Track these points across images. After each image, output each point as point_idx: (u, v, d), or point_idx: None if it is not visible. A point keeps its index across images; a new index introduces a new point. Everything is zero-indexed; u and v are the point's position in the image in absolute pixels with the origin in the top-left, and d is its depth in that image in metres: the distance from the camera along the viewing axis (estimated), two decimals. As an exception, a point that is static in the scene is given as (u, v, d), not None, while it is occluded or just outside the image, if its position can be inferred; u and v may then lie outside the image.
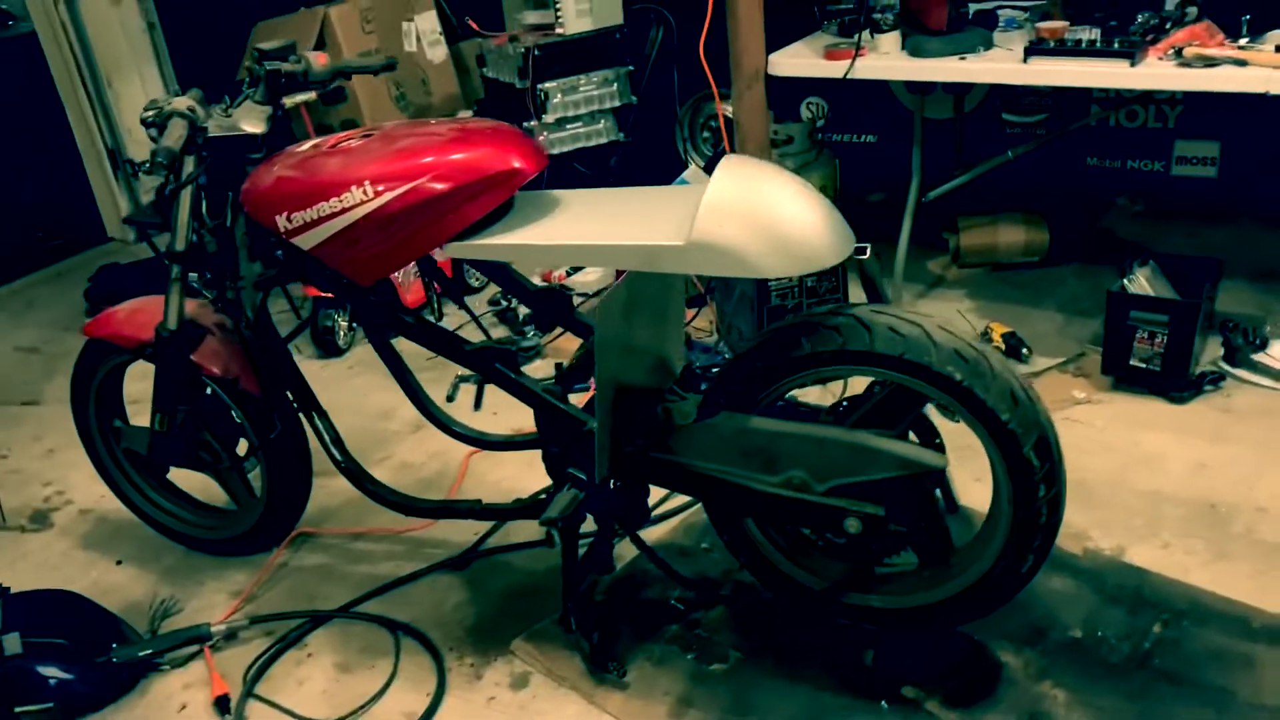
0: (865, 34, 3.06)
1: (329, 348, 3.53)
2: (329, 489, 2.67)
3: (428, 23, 4.37)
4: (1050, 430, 1.78)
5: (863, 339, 1.77)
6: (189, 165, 2.08)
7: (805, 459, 1.84)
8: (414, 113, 4.35)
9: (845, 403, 1.97)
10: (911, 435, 1.96)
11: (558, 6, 3.61)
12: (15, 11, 5.24)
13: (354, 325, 3.54)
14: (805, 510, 1.86)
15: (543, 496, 2.14)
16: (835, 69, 3.04)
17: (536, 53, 3.61)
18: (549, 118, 3.69)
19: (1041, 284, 3.46)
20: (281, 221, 1.93)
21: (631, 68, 3.81)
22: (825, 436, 1.82)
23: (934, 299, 3.47)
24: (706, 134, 4.35)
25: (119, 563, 2.65)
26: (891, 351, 1.76)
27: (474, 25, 3.91)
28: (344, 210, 1.87)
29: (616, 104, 3.82)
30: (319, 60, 2.18)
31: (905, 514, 1.82)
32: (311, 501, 2.58)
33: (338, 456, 2.24)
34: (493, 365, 2.00)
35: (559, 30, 3.65)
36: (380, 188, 1.85)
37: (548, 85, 3.65)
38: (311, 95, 3.84)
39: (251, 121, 2.09)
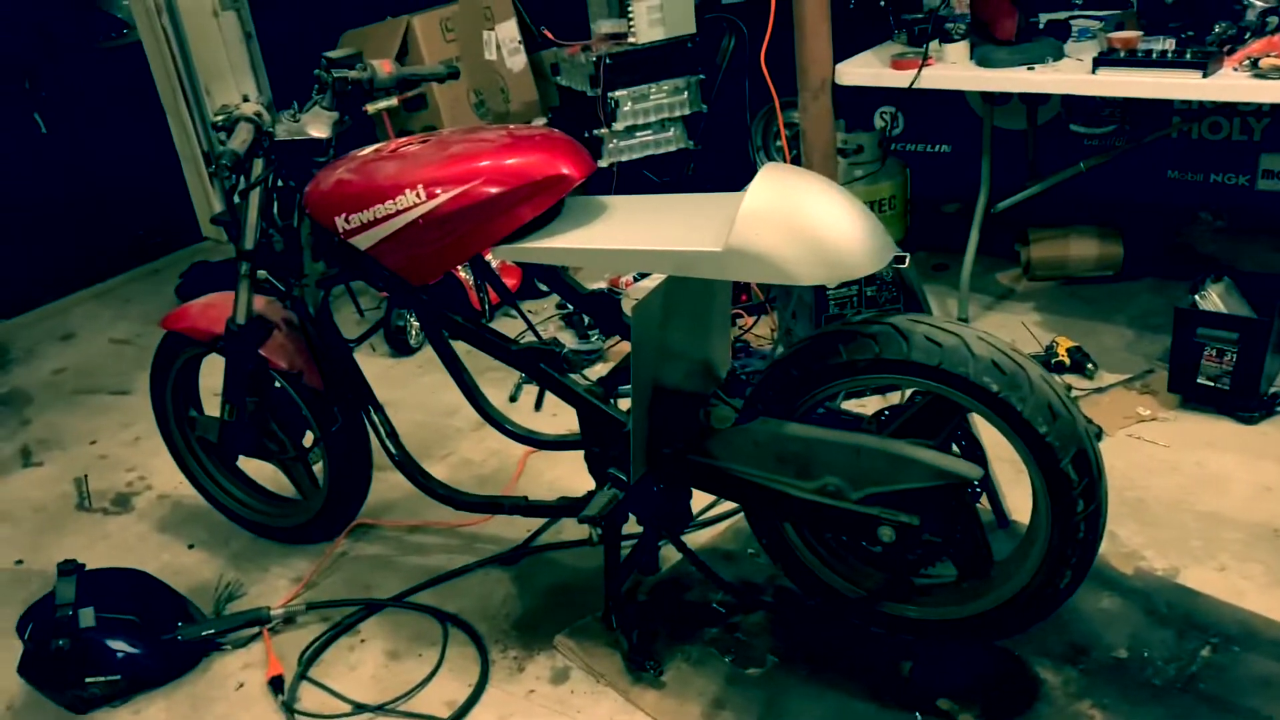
0: (934, 43, 3.04)
1: (401, 346, 3.64)
2: (389, 483, 2.76)
3: (508, 31, 4.47)
4: (1090, 444, 1.76)
5: (899, 348, 1.77)
6: (257, 168, 2.18)
7: (840, 466, 1.85)
8: (493, 119, 4.45)
9: (886, 412, 1.97)
10: (955, 448, 1.96)
11: (630, 15, 3.66)
12: (129, 20, 5.51)
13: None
14: (840, 517, 1.87)
15: (589, 496, 2.18)
16: (901, 79, 3.03)
17: (608, 61, 3.67)
18: (619, 125, 3.75)
19: (1113, 299, 3.39)
20: (340, 222, 2.01)
21: (703, 76, 3.84)
22: (861, 444, 1.83)
23: (1001, 311, 3.42)
24: (779, 142, 4.35)
25: (190, 546, 2.77)
26: (928, 361, 1.76)
27: (548, 34, 3.98)
28: (399, 212, 1.95)
29: (686, 112, 3.86)
30: (384, 68, 2.26)
31: (940, 524, 1.81)
32: (372, 494, 2.67)
33: (392, 450, 2.32)
34: (537, 365, 2.05)
35: (631, 39, 3.69)
36: (433, 190, 1.92)
37: (618, 93, 3.71)
38: (393, 102, 3.97)
39: (318, 126, 2.18)
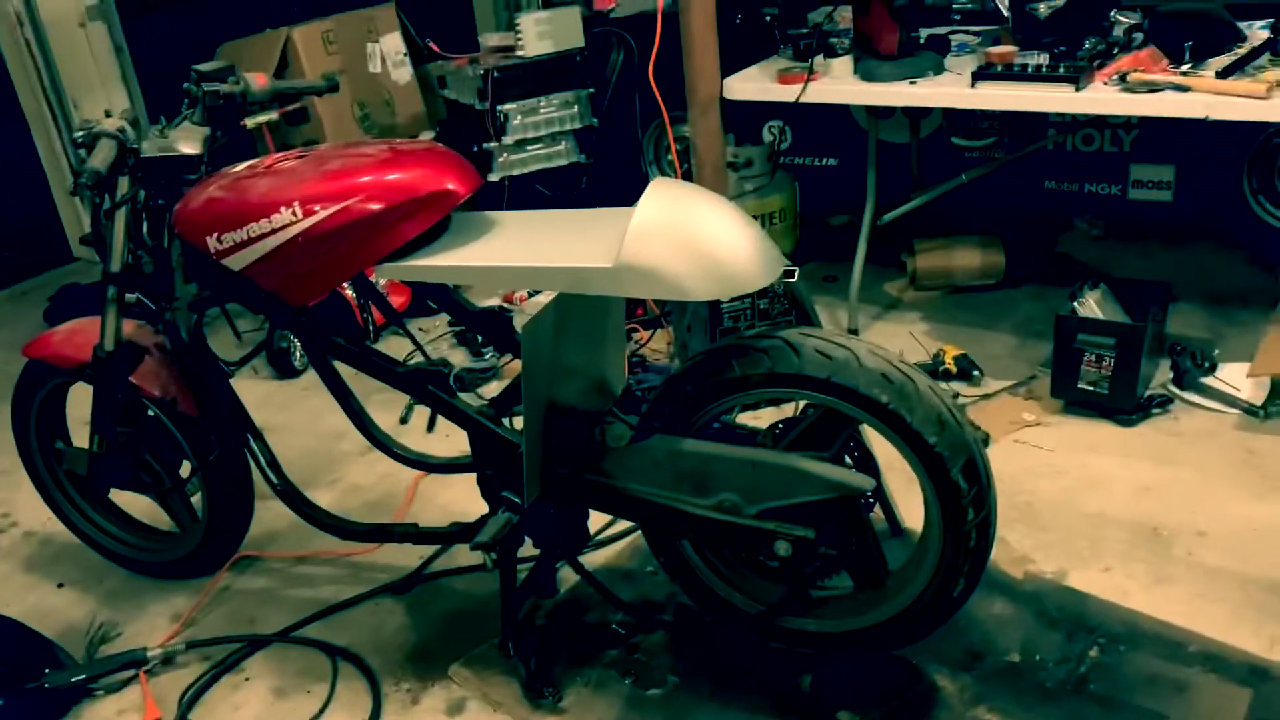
0: (819, 58, 3.08)
1: (285, 369, 3.51)
2: (275, 511, 2.63)
3: (392, 44, 4.38)
4: (978, 453, 1.78)
5: (791, 361, 1.77)
6: (123, 186, 2.07)
7: (736, 481, 1.83)
8: (378, 133, 4.35)
9: (780, 425, 1.96)
10: (848, 460, 1.97)
11: (518, 29, 3.62)
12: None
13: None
14: (736, 533, 1.85)
15: (482, 521, 2.12)
16: (788, 93, 3.06)
17: (496, 74, 3.62)
18: (509, 139, 3.70)
19: (997, 307, 3.47)
20: (212, 242, 1.92)
21: (593, 90, 3.82)
22: (755, 459, 1.82)
23: (889, 321, 3.47)
24: (670, 156, 4.36)
25: (60, 585, 2.62)
26: (819, 374, 1.75)
27: (434, 47, 3.92)
28: (273, 231, 1.87)
29: (577, 125, 3.83)
30: (258, 81, 2.18)
31: (835, 537, 1.81)
32: (257, 524, 2.56)
33: (274, 480, 2.22)
34: (425, 387, 1.99)
35: (519, 52, 3.66)
36: (311, 208, 1.84)
37: (507, 107, 3.66)
38: (273, 115, 3.85)
39: (187, 142, 2.08)
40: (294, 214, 1.85)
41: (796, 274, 1.79)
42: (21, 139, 4.91)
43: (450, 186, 1.86)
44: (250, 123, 3.95)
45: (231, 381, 2.27)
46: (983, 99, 2.78)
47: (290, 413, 3.30)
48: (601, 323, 2.04)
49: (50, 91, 4.77)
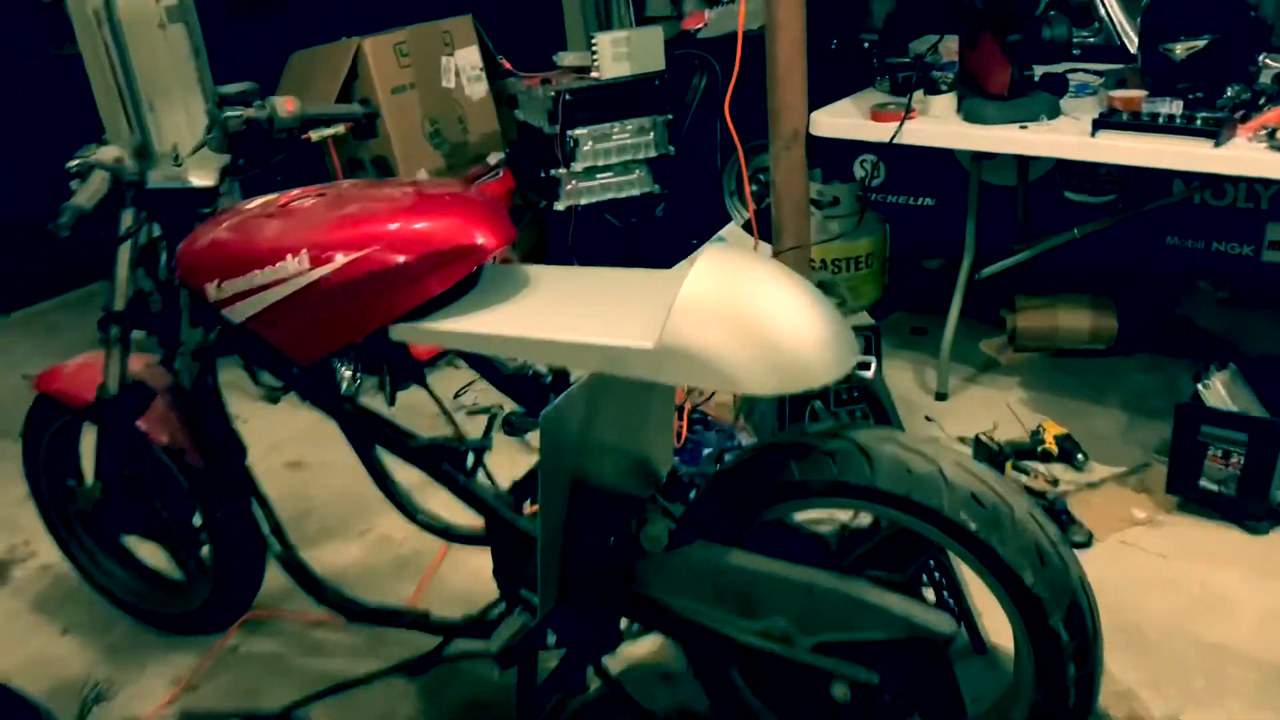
0: (919, 94, 2.78)
1: (330, 399, 3.32)
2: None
3: (468, 58, 4.19)
4: (1086, 598, 1.47)
5: (862, 471, 1.49)
6: (127, 219, 1.88)
7: (789, 606, 1.55)
8: (449, 150, 4.16)
9: (848, 531, 1.67)
10: (926, 578, 1.67)
11: (594, 49, 3.38)
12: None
13: (358, 375, 3.33)
14: (785, 667, 1.57)
15: (499, 613, 1.88)
16: (882, 132, 2.76)
17: (568, 97, 3.39)
18: (577, 165, 3.46)
19: (1106, 376, 3.12)
20: (212, 290, 1.71)
21: (670, 116, 3.56)
22: (815, 583, 1.54)
23: (983, 385, 3.14)
24: (755, 186, 4.09)
25: (65, 632, 2.45)
26: (896, 489, 1.47)
27: (506, 64, 3.70)
28: (279, 281, 1.65)
29: (652, 154, 3.58)
30: (286, 106, 1.97)
31: (904, 683, 1.52)
32: (275, 578, 2.36)
33: (276, 547, 2.01)
34: (439, 466, 1.75)
35: (594, 74, 3.42)
36: (321, 257, 1.62)
37: (578, 132, 3.42)
38: (340, 129, 3.67)
39: (200, 174, 1.88)
40: (302, 263, 1.63)
41: (873, 367, 1.51)
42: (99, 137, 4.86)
43: (479, 240, 1.62)
44: (315, 135, 3.80)
45: (275, 410, 2.06)
46: (1104, 150, 2.45)
47: (330, 450, 3.07)
48: (645, 398, 1.78)
49: (126, 93, 4.70)
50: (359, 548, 2.65)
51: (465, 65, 4.19)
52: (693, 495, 1.80)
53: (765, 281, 1.49)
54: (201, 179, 1.88)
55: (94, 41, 4.65)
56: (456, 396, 3.34)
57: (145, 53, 4.69)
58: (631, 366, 1.49)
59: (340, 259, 1.61)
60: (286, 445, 3.13)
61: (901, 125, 2.71)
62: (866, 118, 2.82)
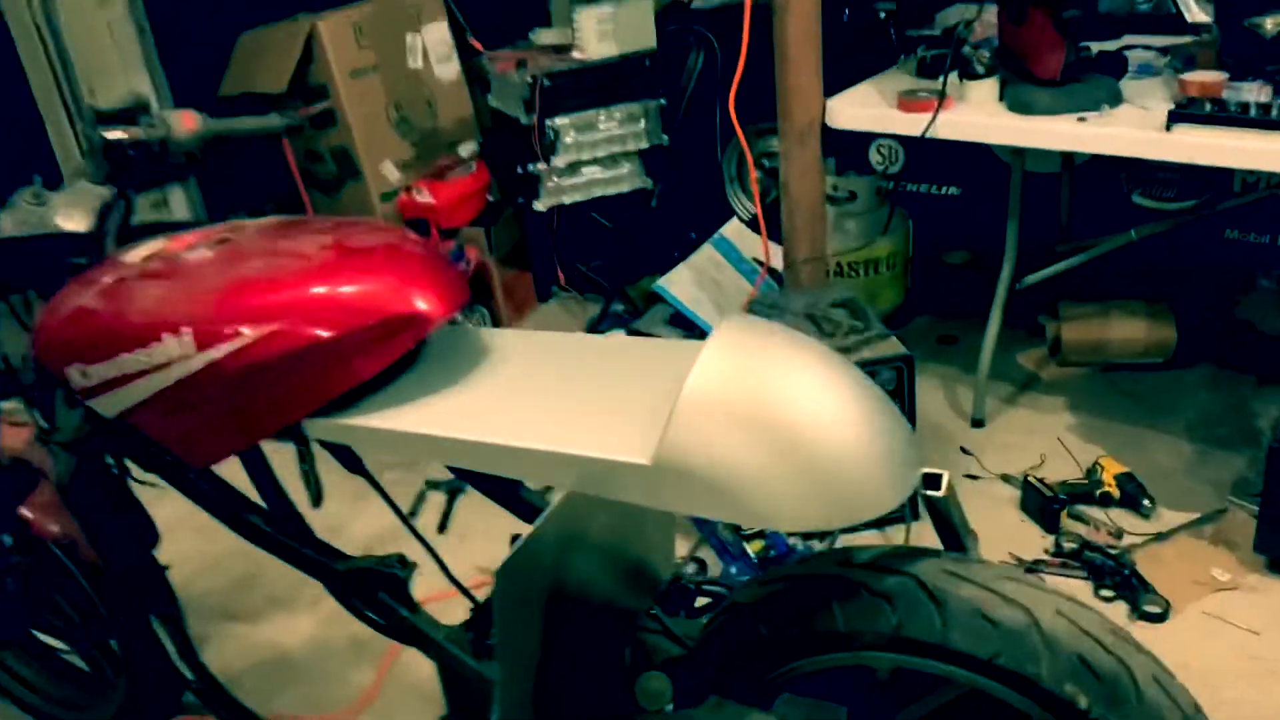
0: (952, 77, 2.38)
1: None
2: (241, 640, 2.10)
3: (437, 34, 3.76)
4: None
5: (931, 622, 1.11)
6: (-28, 275, 1.49)
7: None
8: (417, 139, 3.75)
9: (902, 684, 1.30)
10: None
11: (576, 27, 2.97)
12: None
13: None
14: None
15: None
16: (912, 124, 2.36)
17: (546, 82, 2.97)
18: (559, 160, 3.05)
19: (1164, 395, 2.74)
20: (75, 375, 1.32)
21: (664, 101, 3.15)
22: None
23: (1025, 408, 2.76)
24: (759, 174, 3.69)
25: (-36, 735, 2.09)
26: (976, 651, 1.09)
27: (477, 44, 3.28)
28: (156, 367, 1.26)
29: (644, 145, 3.17)
30: (184, 124, 1.57)
31: None
32: (219, 659, 2.01)
33: (188, 675, 1.64)
34: (373, 594, 1.38)
35: (576, 54, 3.00)
36: (209, 336, 1.24)
37: (558, 121, 3.01)
38: (293, 120, 3.25)
39: (71, 215, 1.49)
40: (185, 345, 1.24)
41: (944, 483, 1.13)
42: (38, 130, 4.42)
43: (421, 308, 1.24)
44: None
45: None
46: (1183, 148, 2.05)
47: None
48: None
49: (63, 77, 4.27)
50: (310, 623, 2.28)
51: (434, 43, 3.76)
52: (702, 614, 1.45)
53: (796, 371, 1.11)
54: (73, 221, 1.48)
55: (25, 24, 4.21)
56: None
57: (83, 31, 4.26)
58: (619, 487, 1.12)
59: (235, 340, 1.23)
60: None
61: (935, 116, 2.31)
62: (892, 106, 2.42)
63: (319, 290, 1.25)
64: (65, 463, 1.52)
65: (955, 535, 1.19)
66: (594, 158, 3.11)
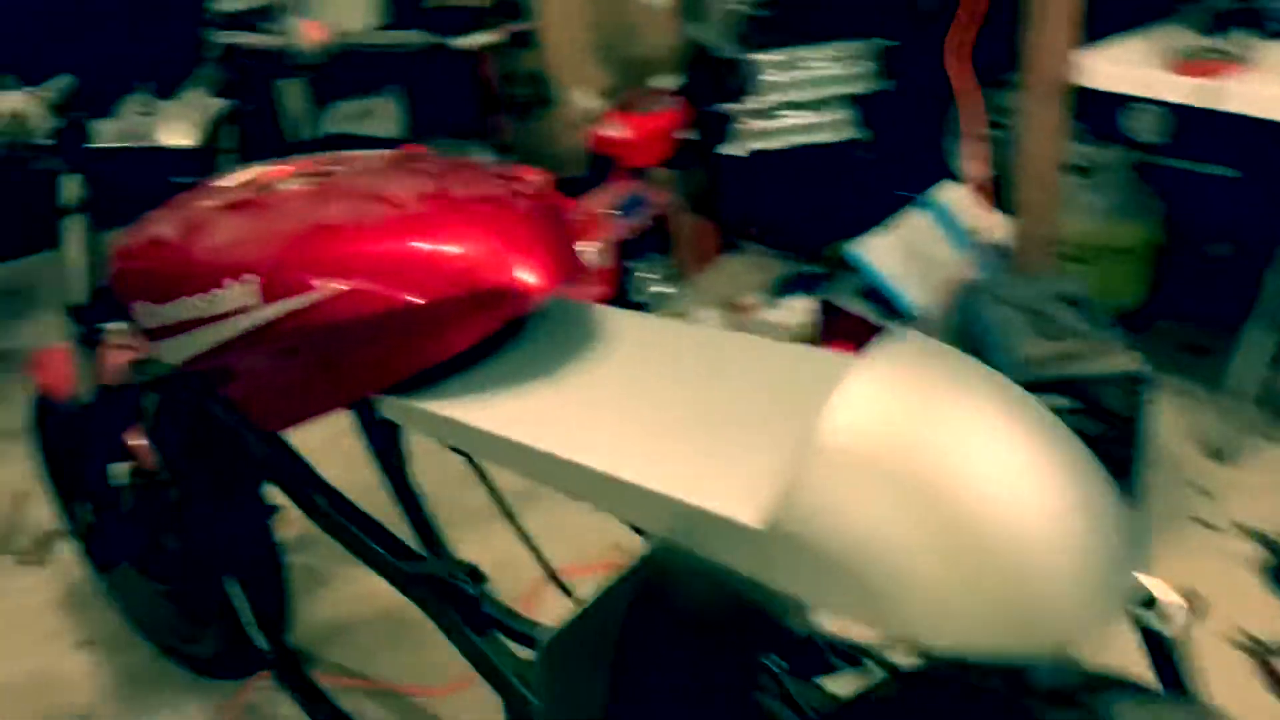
0: (1240, 36, 1.92)
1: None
2: (336, 601, 1.99)
3: (653, -48, 3.49)
4: None
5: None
6: (71, 188, 1.35)
7: None
8: (618, 68, 3.51)
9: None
10: None
11: (795, -51, 2.63)
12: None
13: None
14: None
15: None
16: (1192, 92, 1.93)
17: (756, 11, 2.65)
18: (757, 101, 2.74)
19: None
20: (143, 314, 1.17)
21: (897, 42, 2.76)
22: None
23: (1284, 445, 2.28)
24: (992, 130, 3.25)
25: (81, 645, 2.08)
26: None
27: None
28: (217, 316, 1.09)
29: (861, 90, 2.81)
30: (311, 33, 1.38)
31: None
32: (314, 617, 1.91)
33: (263, 645, 1.51)
34: (439, 602, 1.18)
35: (792, -18, 2.67)
36: (275, 287, 1.05)
37: (761, 57, 2.69)
38: (492, 37, 3.08)
39: (177, 128, 1.33)
40: (249, 294, 1.06)
41: (1181, 619, 0.81)
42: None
43: (520, 281, 1.01)
44: (470, 43, 3.23)
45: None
46: None
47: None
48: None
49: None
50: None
51: (647, -38, 3.50)
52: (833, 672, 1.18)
53: (974, 422, 0.80)
54: (176, 136, 1.33)
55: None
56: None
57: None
58: (719, 548, 0.86)
59: (302, 296, 1.03)
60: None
61: (1223, 83, 1.87)
62: (1165, 69, 1.98)
63: (403, 248, 1.03)
64: (150, 400, 1.39)
65: (1171, 668, 0.86)
66: (799, 100, 2.78)
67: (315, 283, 1.03)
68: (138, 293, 1.16)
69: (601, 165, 3.05)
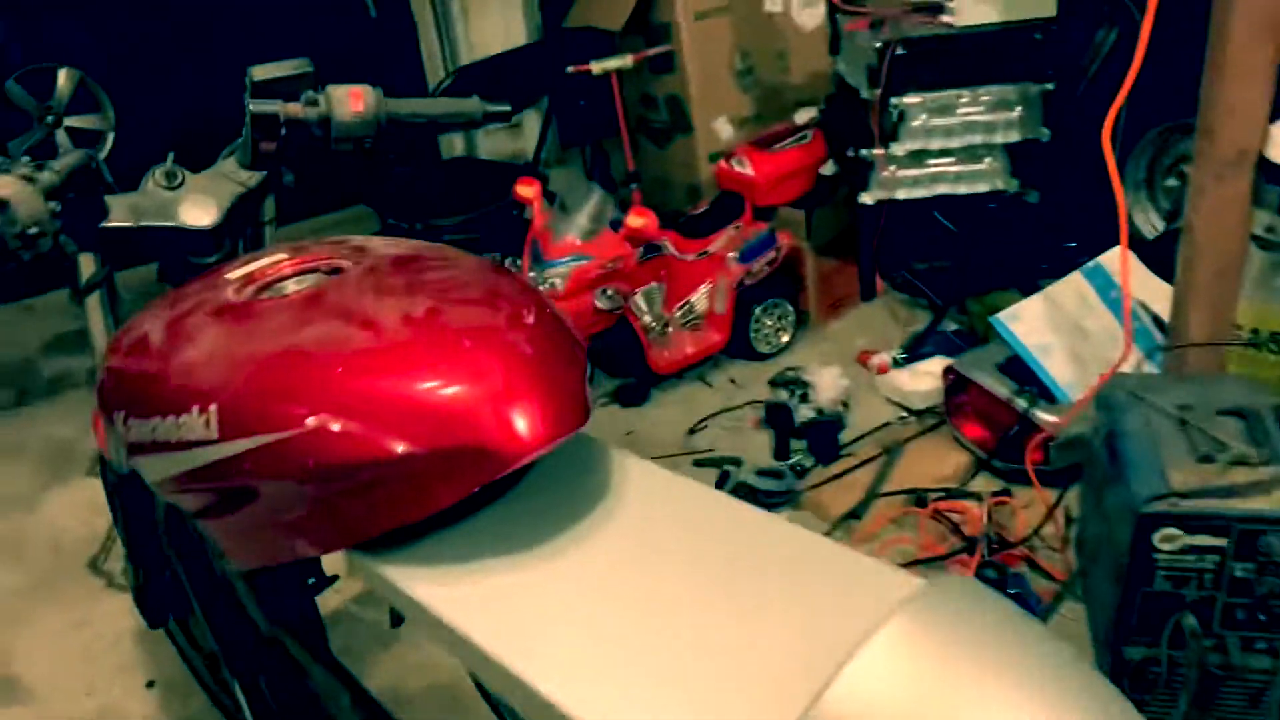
0: None
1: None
2: (395, 670, 1.89)
3: (806, -25, 3.28)
4: None
5: None
6: (87, 266, 1.27)
7: None
8: (760, 93, 3.31)
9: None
10: None
11: (953, -17, 2.37)
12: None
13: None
14: None
15: None
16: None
17: (900, 50, 2.41)
18: (899, 147, 2.50)
19: None
20: (120, 425, 1.07)
21: (1051, 85, 2.48)
22: None
23: None
24: (1172, 181, 2.89)
25: (150, 685, 2.06)
26: None
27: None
28: (184, 443, 0.97)
29: (1015, 137, 2.52)
30: (352, 102, 1.26)
31: None
32: (372, 683, 1.82)
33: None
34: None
35: (946, 18, 2.41)
36: (226, 425, 0.93)
37: (907, 100, 2.45)
38: (626, 62, 2.95)
39: (193, 209, 1.23)
40: (208, 428, 0.94)
41: None
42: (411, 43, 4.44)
43: (511, 438, 0.86)
44: (597, 68, 3.11)
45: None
46: None
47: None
48: None
49: (439, 3, 4.21)
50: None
51: (801, -16, 3.29)
52: None
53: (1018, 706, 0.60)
54: (191, 214, 1.23)
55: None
56: (693, 432, 2.60)
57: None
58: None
59: (253, 438, 0.91)
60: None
61: None
62: (1378, 145, 1.65)
63: (374, 390, 0.89)
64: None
65: None
66: (947, 148, 2.52)
67: (267, 425, 0.90)
68: (118, 402, 1.06)
69: (728, 201, 2.87)
